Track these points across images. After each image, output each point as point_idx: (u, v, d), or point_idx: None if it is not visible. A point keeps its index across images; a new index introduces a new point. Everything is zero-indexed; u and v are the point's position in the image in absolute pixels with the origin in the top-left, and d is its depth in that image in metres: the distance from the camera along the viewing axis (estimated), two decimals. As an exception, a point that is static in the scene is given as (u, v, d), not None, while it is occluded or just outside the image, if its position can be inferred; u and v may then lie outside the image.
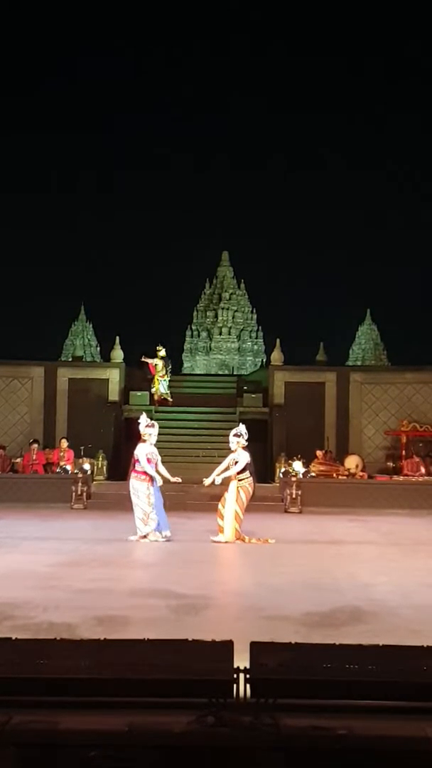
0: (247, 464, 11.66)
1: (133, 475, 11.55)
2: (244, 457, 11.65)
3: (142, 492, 11.32)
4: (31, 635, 5.04)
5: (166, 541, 11.17)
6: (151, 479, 11.39)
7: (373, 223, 64.99)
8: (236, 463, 11.61)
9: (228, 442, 12.02)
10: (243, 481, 11.57)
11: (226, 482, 11.78)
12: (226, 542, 11.19)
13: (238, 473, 11.60)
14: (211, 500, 14.18)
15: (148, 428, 11.72)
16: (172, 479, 11.75)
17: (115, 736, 3.63)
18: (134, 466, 11.58)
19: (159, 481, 11.54)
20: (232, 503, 11.40)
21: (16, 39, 58.38)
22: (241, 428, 12.00)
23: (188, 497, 14.80)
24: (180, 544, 11.17)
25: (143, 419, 11.94)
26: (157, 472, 11.53)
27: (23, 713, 3.76)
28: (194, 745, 3.58)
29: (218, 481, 11.85)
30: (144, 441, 11.63)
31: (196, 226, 66.52)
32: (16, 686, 3.87)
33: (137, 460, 11.50)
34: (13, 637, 4.19)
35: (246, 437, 11.86)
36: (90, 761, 3.51)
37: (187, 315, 55.69)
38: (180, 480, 11.91)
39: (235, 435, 11.84)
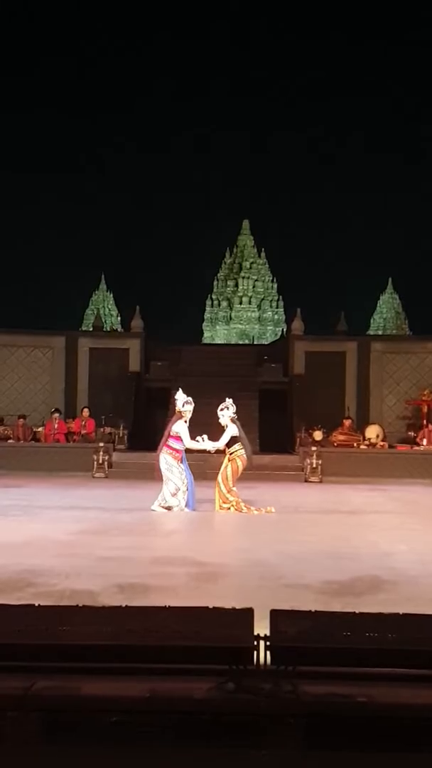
0: (234, 437, 11.52)
1: (167, 450, 11.44)
2: (231, 429, 11.55)
3: (175, 467, 11.32)
4: (54, 602, 5.08)
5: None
6: (181, 458, 11.41)
7: (394, 190, 64.28)
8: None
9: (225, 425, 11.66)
10: (233, 454, 11.49)
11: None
12: (222, 509, 11.24)
13: (227, 445, 11.52)
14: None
15: (187, 405, 11.54)
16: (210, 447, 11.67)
17: (137, 702, 3.68)
18: (167, 441, 11.47)
19: (218, 446, 11.49)
20: (219, 476, 11.45)
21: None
22: (227, 401, 11.76)
23: (207, 466, 14.81)
24: (200, 513, 11.23)
25: (181, 395, 11.67)
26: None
27: (46, 679, 3.81)
28: (214, 712, 3.62)
29: (205, 445, 11.62)
30: (181, 417, 11.51)
31: (217, 195, 66.16)
32: (38, 652, 3.92)
33: (177, 438, 11.37)
34: (36, 604, 4.23)
35: (233, 409, 11.67)
36: (112, 726, 3.55)
37: (207, 284, 55.54)
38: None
39: (221, 409, 11.67)
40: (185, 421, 11.49)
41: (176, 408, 11.73)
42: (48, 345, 22.33)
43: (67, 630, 3.91)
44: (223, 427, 11.64)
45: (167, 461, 11.39)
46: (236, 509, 11.26)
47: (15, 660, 3.93)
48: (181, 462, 11.40)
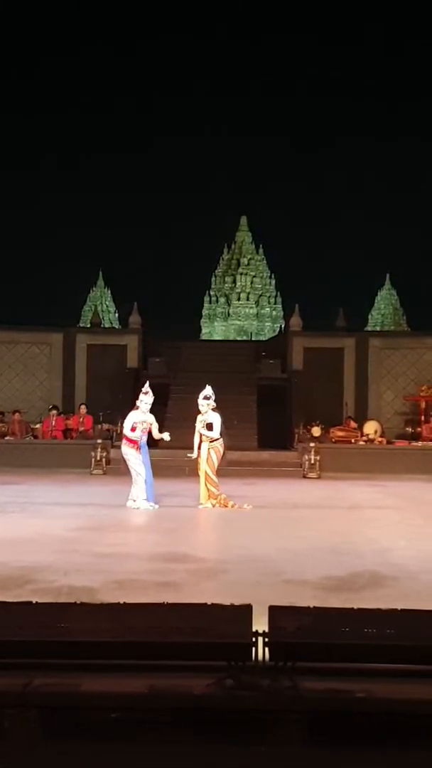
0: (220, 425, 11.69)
1: (124, 441, 11.72)
2: (216, 420, 11.68)
3: (132, 455, 11.42)
4: (52, 599, 5.09)
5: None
6: (138, 447, 11.44)
7: (393, 186, 64.25)
8: (209, 426, 11.62)
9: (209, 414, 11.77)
10: (214, 442, 11.62)
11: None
12: (204, 507, 11.31)
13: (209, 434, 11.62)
14: (228, 465, 14.19)
15: (142, 395, 11.77)
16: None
17: (136, 699, 3.67)
18: (124, 432, 11.85)
19: (214, 435, 11.59)
20: (203, 465, 11.54)
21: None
22: (208, 390, 11.93)
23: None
24: (198, 510, 11.23)
25: (145, 388, 11.92)
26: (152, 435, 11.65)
27: (45, 675, 3.81)
28: (214, 708, 3.62)
29: (208, 433, 11.69)
30: (137, 408, 11.67)
31: (215, 190, 66.13)
32: (37, 649, 3.92)
33: (132, 428, 11.58)
34: (34, 601, 4.23)
35: (214, 398, 11.83)
36: (111, 723, 3.55)
37: (205, 280, 55.49)
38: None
39: (205, 398, 11.82)
40: (143, 412, 11.61)
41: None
42: (46, 341, 22.33)
43: (65, 627, 3.91)
44: (203, 414, 11.72)
45: (124, 450, 11.61)
46: (221, 504, 11.29)
47: (14, 657, 3.92)
48: (138, 452, 11.46)
